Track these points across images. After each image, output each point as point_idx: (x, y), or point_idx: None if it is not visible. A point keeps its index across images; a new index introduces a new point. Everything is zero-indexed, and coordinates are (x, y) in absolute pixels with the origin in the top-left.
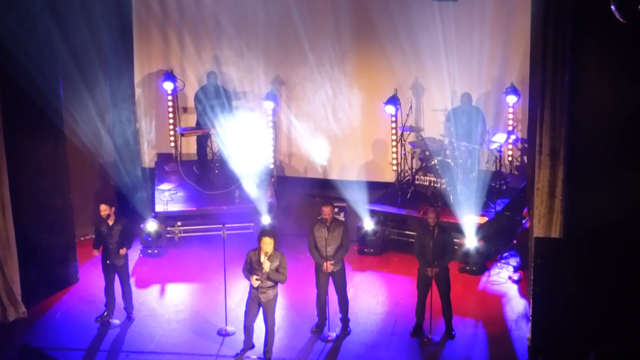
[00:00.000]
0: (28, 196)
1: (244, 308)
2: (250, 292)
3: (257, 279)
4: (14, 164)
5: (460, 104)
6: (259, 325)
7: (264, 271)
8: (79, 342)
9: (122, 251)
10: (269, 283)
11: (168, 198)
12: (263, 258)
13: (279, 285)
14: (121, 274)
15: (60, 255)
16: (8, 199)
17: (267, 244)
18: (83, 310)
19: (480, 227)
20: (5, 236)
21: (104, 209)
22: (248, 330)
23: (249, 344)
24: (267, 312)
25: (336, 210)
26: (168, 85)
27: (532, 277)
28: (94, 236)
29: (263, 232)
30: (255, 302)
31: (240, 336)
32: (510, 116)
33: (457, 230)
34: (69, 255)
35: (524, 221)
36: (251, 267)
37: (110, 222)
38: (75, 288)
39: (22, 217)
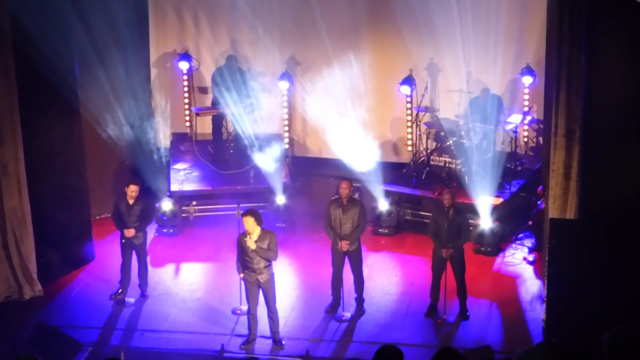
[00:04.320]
0: (44, 175)
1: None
2: (246, 281)
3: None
4: (29, 143)
5: (479, 94)
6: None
7: (250, 249)
8: (94, 320)
9: (129, 232)
10: (263, 263)
11: (183, 177)
12: (248, 239)
13: (294, 266)
14: (139, 252)
15: (75, 233)
16: (24, 178)
17: (246, 222)
18: (98, 288)
19: (495, 208)
20: (22, 215)
21: (134, 189)
22: (254, 317)
23: (254, 333)
24: (267, 292)
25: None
26: (183, 65)
27: (547, 258)
28: (110, 215)
29: (243, 213)
30: (255, 286)
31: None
32: (526, 97)
33: (472, 211)
34: (85, 233)
35: (539, 202)
36: (243, 252)
37: (131, 202)
38: (91, 266)
39: (38, 195)
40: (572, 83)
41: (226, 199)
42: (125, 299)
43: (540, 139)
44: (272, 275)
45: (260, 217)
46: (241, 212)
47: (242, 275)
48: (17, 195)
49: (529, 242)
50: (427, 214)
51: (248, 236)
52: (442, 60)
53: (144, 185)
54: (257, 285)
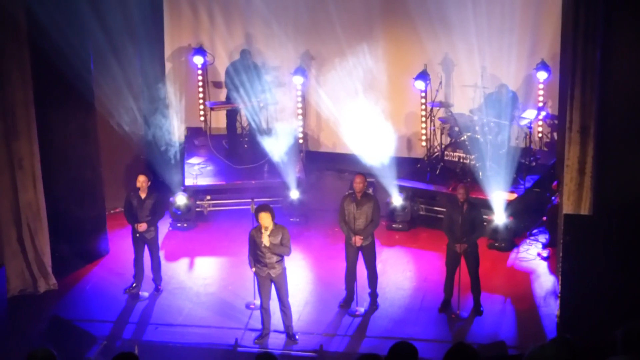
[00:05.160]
0: (59, 169)
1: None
2: (258, 275)
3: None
4: (44, 137)
5: (496, 89)
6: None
7: (264, 245)
8: (108, 314)
9: (141, 226)
10: (276, 257)
11: (197, 172)
12: (263, 234)
13: (307, 261)
14: (151, 246)
15: (90, 227)
16: (39, 172)
17: (263, 218)
18: (113, 282)
19: (510, 204)
20: (36, 208)
21: (143, 180)
22: (267, 311)
23: (267, 327)
24: (279, 287)
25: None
26: (198, 60)
27: (561, 254)
28: (123, 209)
29: (259, 208)
30: (267, 280)
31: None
32: (541, 92)
33: (486, 206)
34: (99, 227)
35: (553, 198)
36: (255, 246)
37: (143, 195)
38: (105, 260)
39: (53, 189)
40: (587, 78)
41: (240, 193)
42: (140, 292)
43: (555, 134)
44: (284, 270)
45: (273, 212)
46: (255, 206)
47: (254, 269)
48: (32, 189)
49: (543, 238)
50: (441, 209)
51: (262, 231)
52: (456, 55)
53: (158, 179)
54: (270, 279)
